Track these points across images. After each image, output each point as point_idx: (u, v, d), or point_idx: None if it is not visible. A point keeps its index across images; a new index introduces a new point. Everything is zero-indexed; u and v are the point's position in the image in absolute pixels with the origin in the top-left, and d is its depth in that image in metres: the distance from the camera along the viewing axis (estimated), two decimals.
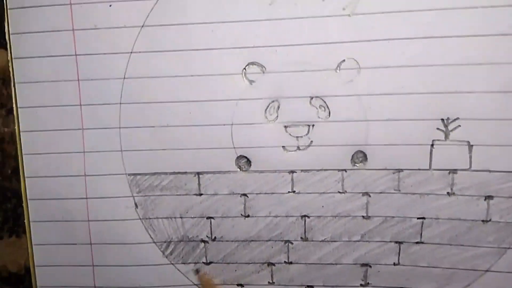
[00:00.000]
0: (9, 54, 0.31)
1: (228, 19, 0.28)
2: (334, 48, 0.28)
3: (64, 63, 0.30)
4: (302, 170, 0.30)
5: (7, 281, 0.34)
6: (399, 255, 0.30)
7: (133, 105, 0.30)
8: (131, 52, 0.29)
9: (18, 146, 0.32)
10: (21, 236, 0.34)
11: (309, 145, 0.29)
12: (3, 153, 0.33)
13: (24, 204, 0.32)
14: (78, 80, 0.30)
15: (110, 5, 0.29)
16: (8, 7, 0.30)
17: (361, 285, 0.31)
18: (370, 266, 0.30)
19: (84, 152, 0.31)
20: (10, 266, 0.34)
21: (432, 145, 0.28)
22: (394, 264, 0.30)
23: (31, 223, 0.32)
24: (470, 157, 0.28)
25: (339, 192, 0.30)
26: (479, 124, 0.28)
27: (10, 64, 0.31)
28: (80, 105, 0.30)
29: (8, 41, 0.31)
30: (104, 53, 0.29)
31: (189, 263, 0.32)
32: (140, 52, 0.29)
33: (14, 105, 0.32)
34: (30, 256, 0.33)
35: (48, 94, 0.30)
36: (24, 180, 0.32)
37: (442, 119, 0.28)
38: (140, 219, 0.31)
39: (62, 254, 0.32)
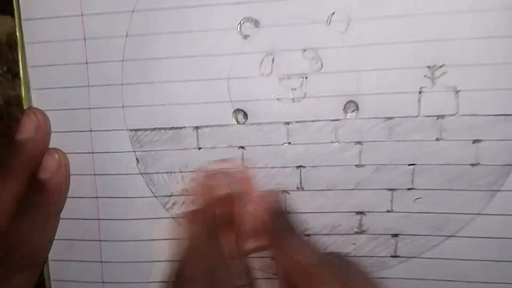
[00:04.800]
0: (16, 19, 0.33)
1: None
2: (324, 0, 0.30)
3: (71, 23, 0.31)
4: (296, 122, 0.31)
5: None
6: (392, 202, 0.31)
7: (135, 62, 0.31)
8: (133, 11, 0.31)
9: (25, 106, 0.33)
10: None
11: (303, 97, 0.31)
12: (10, 116, 0.35)
13: None
14: (85, 39, 0.31)
15: None
16: None
17: (356, 232, 0.32)
18: (365, 214, 0.31)
19: (89, 108, 0.32)
20: None
21: (420, 92, 0.30)
22: (388, 211, 0.31)
23: None
24: (457, 102, 0.29)
25: (333, 142, 0.31)
26: (465, 69, 0.29)
27: (17, 28, 0.33)
28: (86, 63, 0.32)
29: (16, 7, 0.33)
30: (108, 13, 0.31)
31: None
32: (141, 10, 0.31)
33: (20, 69, 0.33)
34: None
35: (56, 53, 0.32)
36: None
37: (429, 66, 0.29)
38: (141, 173, 0.32)
39: (69, 209, 0.33)
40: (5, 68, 0.35)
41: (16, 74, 0.34)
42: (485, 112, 0.29)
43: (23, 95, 0.33)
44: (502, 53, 0.28)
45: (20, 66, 0.33)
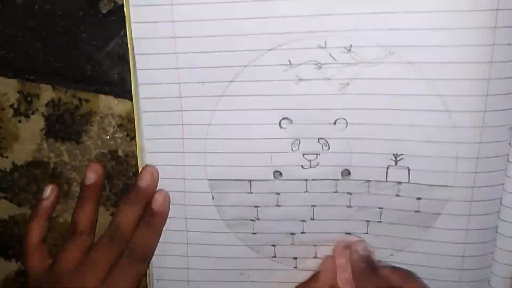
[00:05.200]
0: (134, 104, 0.51)
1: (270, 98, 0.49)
2: (332, 111, 0.49)
3: (172, 117, 0.50)
4: (312, 179, 0.51)
5: None
6: (367, 227, 0.52)
7: (217, 140, 0.51)
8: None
9: (139, 160, 0.53)
10: None
11: (316, 165, 0.50)
12: (127, 164, 0.55)
13: None
14: (182, 124, 0.51)
15: (203, 84, 0.49)
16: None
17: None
18: (350, 234, 0.52)
19: (183, 165, 0.52)
20: None
21: (387, 168, 0.49)
22: (365, 233, 0.52)
23: None
24: (409, 175, 0.49)
25: (333, 192, 0.51)
26: (413, 158, 0.49)
27: (134, 110, 0.51)
28: (183, 138, 0.51)
29: (134, 95, 0.51)
30: (194, 112, 0.50)
31: (243, 232, 0.53)
32: (221, 110, 0.50)
33: (136, 137, 0.52)
34: None
35: (164, 129, 0.51)
36: None
37: (393, 154, 0.49)
38: (214, 206, 0.53)
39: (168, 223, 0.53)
40: (125, 133, 0.54)
41: (133, 138, 0.53)
42: (425, 183, 0.49)
43: (137, 152, 0.53)
44: (436, 150, 0.48)
45: (136, 136, 0.52)
